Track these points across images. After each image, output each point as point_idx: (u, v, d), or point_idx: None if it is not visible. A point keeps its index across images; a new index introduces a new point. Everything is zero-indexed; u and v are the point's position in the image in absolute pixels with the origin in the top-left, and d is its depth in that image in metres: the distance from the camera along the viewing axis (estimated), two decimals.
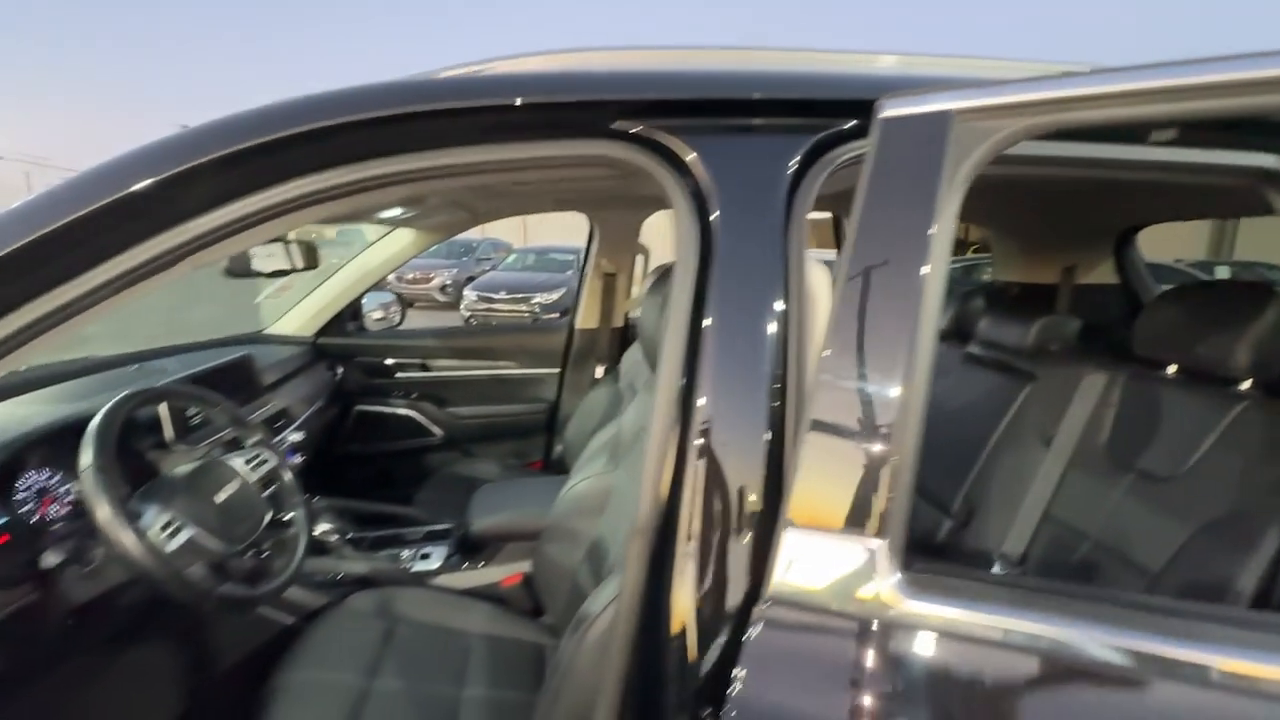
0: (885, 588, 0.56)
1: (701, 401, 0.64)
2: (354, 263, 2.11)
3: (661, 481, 0.65)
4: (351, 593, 1.38)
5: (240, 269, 1.62)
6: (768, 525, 0.61)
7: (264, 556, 1.14)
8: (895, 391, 0.56)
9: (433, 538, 1.69)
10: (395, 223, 2.06)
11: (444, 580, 1.53)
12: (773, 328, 0.64)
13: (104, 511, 0.87)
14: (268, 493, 1.22)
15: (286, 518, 1.22)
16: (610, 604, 0.73)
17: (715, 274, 0.65)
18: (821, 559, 0.57)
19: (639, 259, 2.34)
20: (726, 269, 0.65)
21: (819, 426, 0.58)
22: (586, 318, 2.36)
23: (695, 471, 0.63)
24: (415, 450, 2.37)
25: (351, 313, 2.32)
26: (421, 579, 1.52)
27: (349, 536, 1.59)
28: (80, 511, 0.96)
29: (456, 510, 1.78)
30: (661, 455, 0.65)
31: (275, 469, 1.25)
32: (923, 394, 0.57)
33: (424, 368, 2.38)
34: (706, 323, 0.65)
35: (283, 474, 1.26)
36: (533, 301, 8.79)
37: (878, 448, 0.57)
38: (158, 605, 1.14)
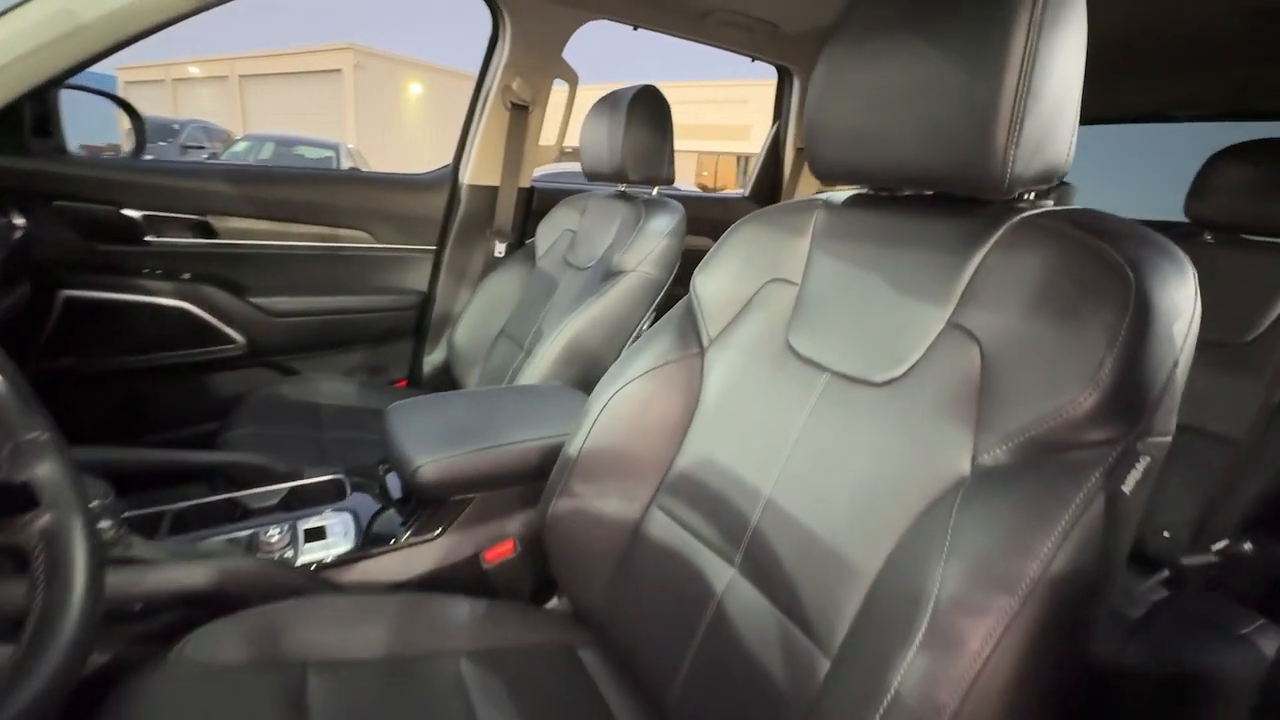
0: None
1: None
2: None
3: None
4: (183, 629, 0.65)
5: None
6: None
7: None
8: None
9: (304, 503, 0.94)
10: None
11: (366, 572, 0.84)
12: None
13: None
14: None
15: (22, 478, 0.46)
16: None
17: None
18: None
19: (562, 88, 1.66)
20: None
21: None
22: (480, 170, 1.64)
23: None
24: (198, 365, 1.44)
25: (39, 114, 1.25)
26: (320, 577, 0.81)
27: (125, 516, 0.77)
28: None
29: (298, 457, 1.06)
30: None
31: None
32: None
33: (205, 230, 1.42)
34: None
35: None
36: None
37: None
38: None
